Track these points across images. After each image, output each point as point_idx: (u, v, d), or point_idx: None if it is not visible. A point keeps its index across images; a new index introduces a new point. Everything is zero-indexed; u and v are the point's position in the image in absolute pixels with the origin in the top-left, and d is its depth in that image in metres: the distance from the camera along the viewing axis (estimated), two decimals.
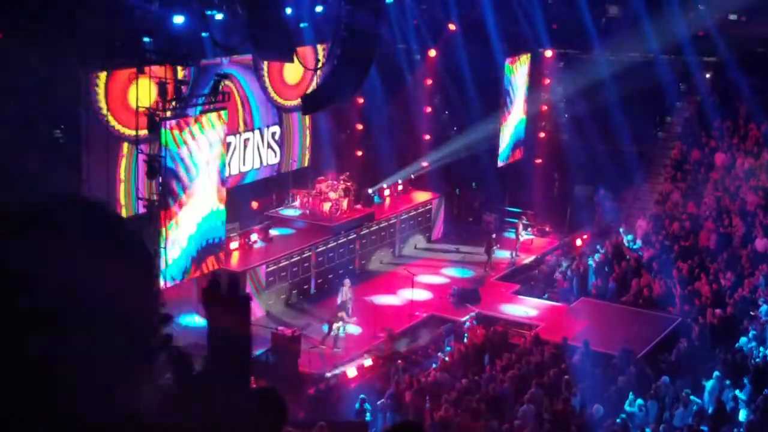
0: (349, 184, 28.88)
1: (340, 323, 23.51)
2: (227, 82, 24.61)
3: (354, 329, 24.35)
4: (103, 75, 23.04)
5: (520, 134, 32.97)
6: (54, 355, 1.55)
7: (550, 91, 34.33)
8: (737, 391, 19.05)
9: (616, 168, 31.32)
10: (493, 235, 30.08)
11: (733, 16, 33.01)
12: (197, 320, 24.09)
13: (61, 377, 1.56)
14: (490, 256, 29.21)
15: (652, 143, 34.07)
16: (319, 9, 27.09)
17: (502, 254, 30.02)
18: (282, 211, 28.93)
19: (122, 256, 1.67)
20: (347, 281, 24.79)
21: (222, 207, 23.63)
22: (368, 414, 19.36)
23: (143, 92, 21.97)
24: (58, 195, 1.72)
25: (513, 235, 30.79)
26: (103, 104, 23.00)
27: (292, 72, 28.52)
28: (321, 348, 23.09)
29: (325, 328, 23.83)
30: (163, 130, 21.22)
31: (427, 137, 33.51)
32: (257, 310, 24.96)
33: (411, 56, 33.01)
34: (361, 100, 31.24)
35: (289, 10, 24.84)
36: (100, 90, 22.99)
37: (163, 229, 21.64)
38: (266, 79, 28.48)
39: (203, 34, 24.25)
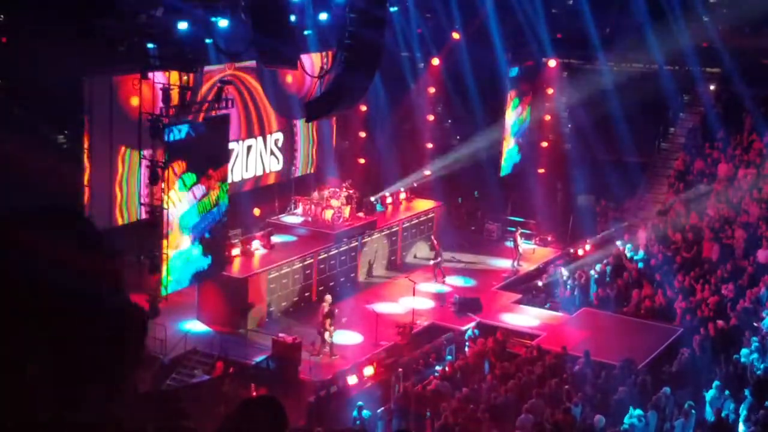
0: (351, 191, 28.84)
1: (330, 330, 23.32)
2: (230, 88, 24.64)
3: (355, 337, 24.33)
4: (106, 80, 23.06)
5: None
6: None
7: (554, 101, 34.34)
8: (742, 408, 18.94)
9: (619, 178, 31.31)
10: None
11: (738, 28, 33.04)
12: (198, 326, 24.18)
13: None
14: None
15: (655, 154, 34.06)
16: (323, 17, 27.12)
17: (503, 263, 30.00)
18: (284, 218, 28.90)
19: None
20: (328, 297, 24.06)
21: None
22: (365, 420, 19.26)
23: (146, 98, 21.99)
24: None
25: (512, 245, 30.75)
26: (106, 109, 23.01)
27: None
28: (318, 358, 23.02)
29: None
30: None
31: (430, 145, 33.50)
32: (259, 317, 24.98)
33: (415, 64, 33.04)
34: (364, 108, 31.23)
35: (293, 18, 24.86)
36: (104, 95, 23.00)
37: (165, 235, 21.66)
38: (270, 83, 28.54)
39: (207, 41, 24.27)
